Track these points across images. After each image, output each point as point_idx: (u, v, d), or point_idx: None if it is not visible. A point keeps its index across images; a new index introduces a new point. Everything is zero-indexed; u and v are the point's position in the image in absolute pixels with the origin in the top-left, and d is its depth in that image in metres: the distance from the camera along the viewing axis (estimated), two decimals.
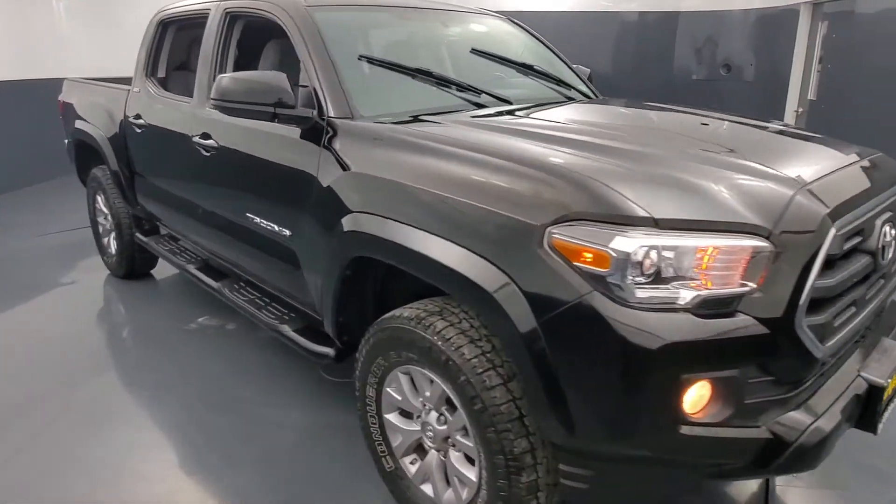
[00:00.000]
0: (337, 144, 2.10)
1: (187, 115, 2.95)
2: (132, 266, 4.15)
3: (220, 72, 2.83)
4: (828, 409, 1.53)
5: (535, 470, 1.63)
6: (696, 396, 1.41)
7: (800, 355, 1.44)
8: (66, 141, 4.54)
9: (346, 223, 1.96)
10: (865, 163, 1.89)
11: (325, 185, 2.09)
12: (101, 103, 3.89)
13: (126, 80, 4.31)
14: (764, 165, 1.68)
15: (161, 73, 3.49)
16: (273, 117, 2.22)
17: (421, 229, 1.71)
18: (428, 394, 1.86)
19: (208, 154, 2.76)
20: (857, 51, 5.47)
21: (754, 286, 1.40)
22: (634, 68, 8.14)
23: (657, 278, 1.39)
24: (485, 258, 1.56)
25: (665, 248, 1.37)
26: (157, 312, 3.75)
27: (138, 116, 3.42)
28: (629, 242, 1.36)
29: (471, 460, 1.80)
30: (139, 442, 2.51)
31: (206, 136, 2.76)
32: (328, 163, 2.09)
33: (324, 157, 2.12)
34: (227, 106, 2.23)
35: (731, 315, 1.39)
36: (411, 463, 2.04)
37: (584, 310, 1.39)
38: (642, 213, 1.40)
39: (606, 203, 1.43)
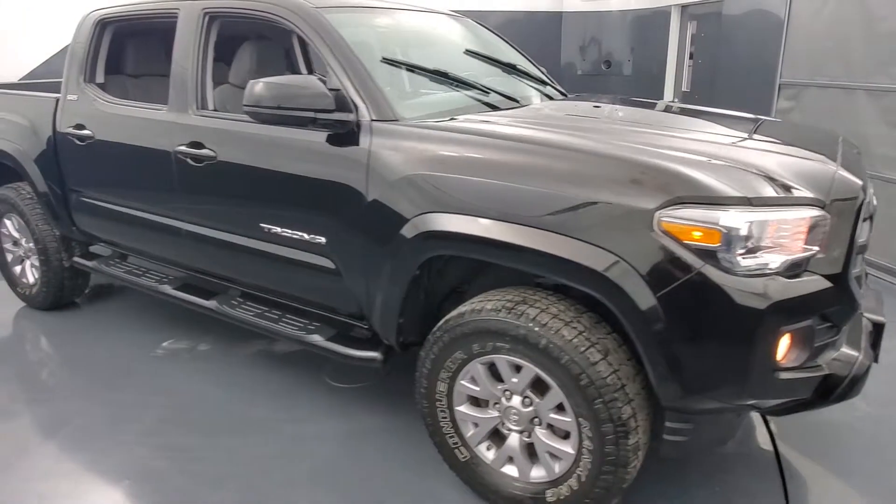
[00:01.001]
0: (387, 147, 2.10)
1: (162, 124, 2.71)
2: (60, 294, 3.69)
3: (201, 75, 2.65)
4: (860, 346, 1.88)
5: (637, 432, 1.80)
6: (786, 346, 1.67)
7: (849, 302, 1.76)
8: None
9: (418, 224, 1.98)
10: (848, 146, 2.31)
11: (379, 189, 2.09)
12: (15, 114, 3.41)
13: (31, 87, 3.84)
14: (802, 150, 2.01)
15: (100, 79, 3.15)
16: (310, 122, 2.16)
17: (517, 223, 1.81)
18: (515, 380, 1.96)
19: (200, 164, 2.58)
20: (723, 47, 6.33)
21: (818, 249, 1.69)
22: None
23: (752, 249, 1.62)
24: (592, 244, 1.70)
25: (759, 222, 1.61)
26: (112, 343, 3.37)
27: (80, 127, 3.06)
28: (736, 219, 1.58)
29: (561, 435, 1.94)
30: (185, 487, 2.29)
31: (196, 145, 2.57)
32: (381, 166, 2.09)
33: (374, 161, 2.10)
34: (262, 113, 2.13)
35: (804, 275, 1.67)
36: (487, 449, 2.12)
37: (701, 281, 1.59)
38: (738, 194, 1.62)
39: (707, 187, 1.63)
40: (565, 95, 3.19)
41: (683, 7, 7.09)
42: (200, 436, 2.57)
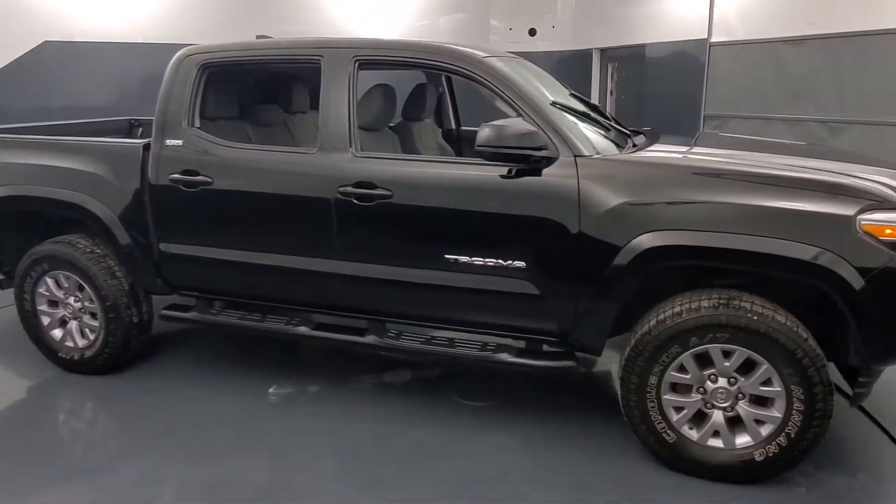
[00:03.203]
0: (596, 178, 2.44)
1: (315, 166, 2.77)
2: (124, 353, 3.39)
3: (355, 118, 2.77)
4: None
5: (832, 388, 2.32)
6: None
7: None
8: None
9: (645, 241, 2.34)
10: None
11: (592, 216, 2.41)
12: (83, 162, 3.15)
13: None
14: (882, 167, 2.70)
15: (203, 123, 3.06)
16: (524, 160, 2.43)
17: (744, 234, 2.26)
18: (727, 364, 2.38)
19: (369, 204, 2.68)
20: (649, 84, 7.42)
21: None
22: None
23: None
24: (807, 244, 2.20)
25: None
26: (209, 399, 3.17)
27: (190, 173, 2.96)
28: None
29: (766, 404, 2.39)
30: None
31: (366, 185, 2.68)
32: (593, 196, 2.41)
33: (585, 192, 2.42)
34: (490, 152, 2.36)
35: None
36: (690, 429, 2.51)
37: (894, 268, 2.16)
38: None
39: (888, 197, 2.22)
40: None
41: (603, 50, 8.16)
42: (395, 466, 2.63)
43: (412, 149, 3.52)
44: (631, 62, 7.77)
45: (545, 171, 2.50)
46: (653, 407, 2.49)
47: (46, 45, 6.31)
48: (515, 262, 2.56)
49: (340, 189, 2.72)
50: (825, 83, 5.43)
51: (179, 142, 3.00)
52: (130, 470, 2.63)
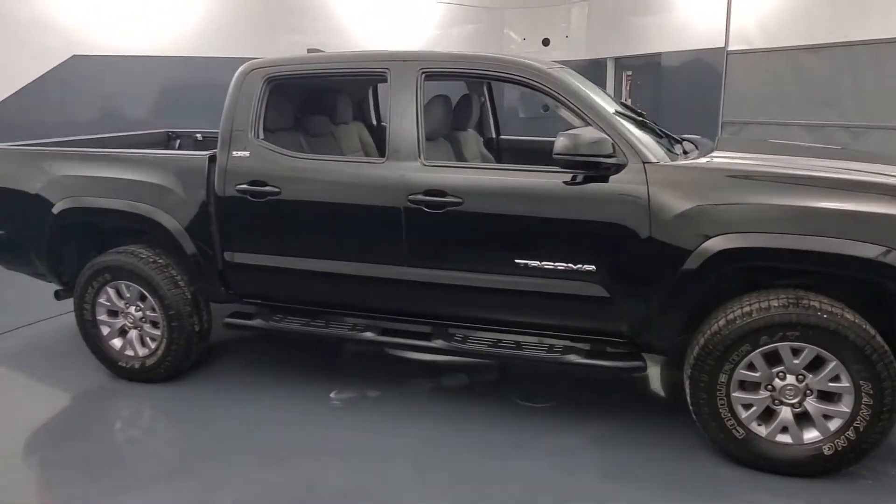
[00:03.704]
0: (667, 184, 2.53)
1: (384, 175, 2.85)
2: (185, 361, 3.46)
3: (422, 128, 2.86)
4: None
5: None
6: None
7: None
8: None
9: (717, 244, 2.43)
10: None
11: (662, 221, 2.50)
12: (147, 174, 3.22)
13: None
14: None
15: (268, 134, 3.14)
16: (595, 167, 2.52)
17: (812, 235, 2.35)
18: (796, 362, 2.47)
19: (439, 211, 2.77)
20: (665, 91, 7.57)
21: None
22: None
23: None
24: (873, 243, 2.30)
25: None
26: (270, 404, 3.22)
27: (258, 184, 3.03)
28: None
29: (833, 400, 2.48)
30: None
31: (437, 193, 2.76)
32: (664, 201, 2.51)
33: (655, 198, 2.51)
34: (566, 160, 2.45)
35: None
36: (759, 425, 2.59)
37: None
38: None
39: None
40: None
41: (617, 59, 8.31)
42: (468, 466, 2.70)
43: (460, 157, 3.61)
44: (645, 70, 7.93)
45: (613, 177, 2.59)
46: (722, 405, 2.57)
47: (75, 59, 6.38)
48: (585, 266, 2.65)
49: (410, 197, 2.80)
50: (845, 89, 5.57)
51: (246, 153, 3.08)
52: (200, 477, 2.68)
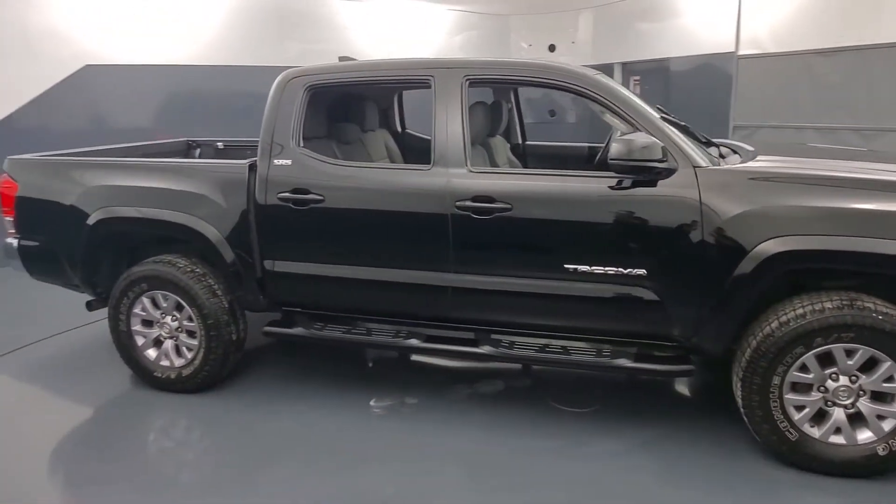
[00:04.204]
0: (718, 188, 2.55)
1: (431, 181, 2.85)
2: (221, 370, 3.43)
3: (463, 135, 2.86)
4: None
5: None
6: None
7: None
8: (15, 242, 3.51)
9: (771, 247, 2.44)
10: None
11: (714, 225, 2.51)
12: (186, 184, 3.20)
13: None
14: None
15: (307, 142, 3.13)
16: (647, 171, 2.54)
17: (865, 237, 2.38)
18: (850, 363, 2.48)
19: (487, 217, 2.77)
20: (674, 95, 7.62)
21: None
22: None
23: None
24: None
25: None
26: (311, 413, 3.20)
27: (301, 192, 3.03)
28: None
29: (881, 398, 2.49)
30: None
31: (485, 199, 2.77)
32: (717, 205, 2.52)
33: (707, 202, 2.53)
34: (621, 164, 2.47)
35: None
36: (812, 426, 2.60)
37: None
38: None
39: None
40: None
41: (624, 64, 8.37)
42: (520, 470, 2.69)
43: (492, 163, 3.62)
44: (654, 75, 7.99)
45: (662, 181, 2.60)
46: (775, 407, 2.58)
47: (87, 69, 6.34)
48: (636, 270, 2.66)
49: (458, 203, 2.80)
50: (858, 92, 5.64)
51: (288, 161, 3.07)
52: (248, 486, 2.66)
